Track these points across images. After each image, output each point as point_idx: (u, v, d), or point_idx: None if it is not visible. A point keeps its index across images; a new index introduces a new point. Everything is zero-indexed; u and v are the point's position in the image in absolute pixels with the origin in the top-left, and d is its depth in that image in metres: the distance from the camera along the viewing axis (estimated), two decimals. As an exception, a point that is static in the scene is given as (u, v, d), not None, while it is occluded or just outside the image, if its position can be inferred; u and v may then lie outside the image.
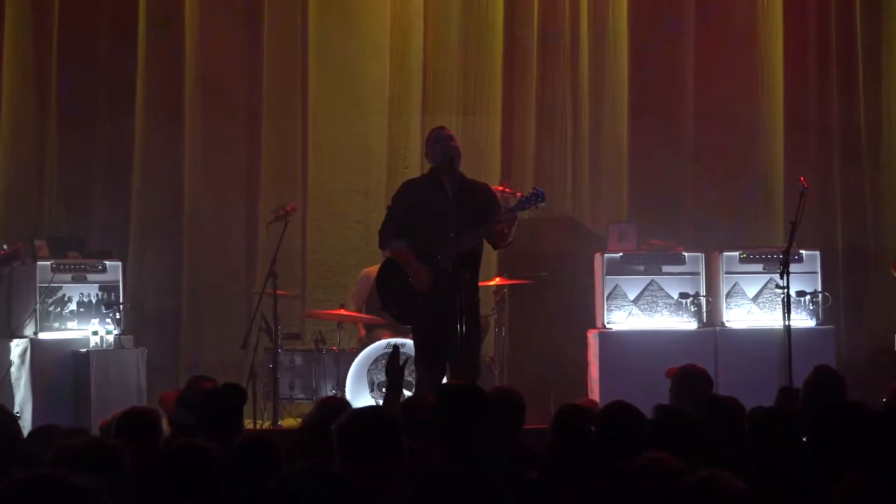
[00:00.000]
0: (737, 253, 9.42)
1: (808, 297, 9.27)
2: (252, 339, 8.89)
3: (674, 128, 10.69)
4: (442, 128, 7.53)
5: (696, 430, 4.58)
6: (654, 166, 10.63)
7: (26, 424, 8.17)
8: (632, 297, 9.30)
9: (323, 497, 3.02)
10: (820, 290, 9.34)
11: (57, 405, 8.74)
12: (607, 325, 9.28)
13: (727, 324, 9.32)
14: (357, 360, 8.98)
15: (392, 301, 7.39)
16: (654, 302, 9.30)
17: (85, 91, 10.30)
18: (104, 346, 8.91)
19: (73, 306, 9.12)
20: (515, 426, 5.03)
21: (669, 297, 9.30)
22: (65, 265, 9.14)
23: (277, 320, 8.96)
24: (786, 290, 8.16)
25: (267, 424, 8.95)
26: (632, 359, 8.98)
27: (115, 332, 8.97)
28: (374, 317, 9.38)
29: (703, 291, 9.31)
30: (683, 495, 3.16)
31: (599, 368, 9.12)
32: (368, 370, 8.97)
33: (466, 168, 7.56)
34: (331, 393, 8.99)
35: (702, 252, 9.46)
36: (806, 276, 9.32)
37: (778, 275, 8.34)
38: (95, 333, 8.93)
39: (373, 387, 8.96)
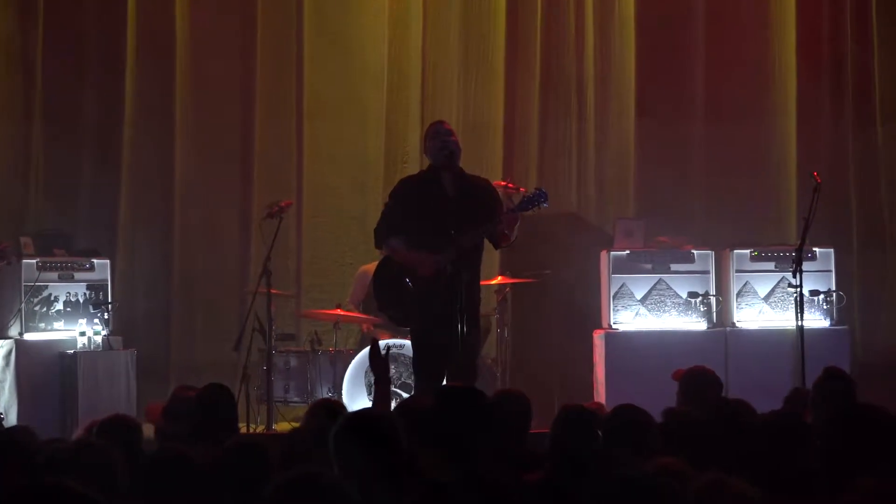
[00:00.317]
0: (748, 250, 9.43)
1: (821, 297, 9.29)
2: (245, 339, 8.90)
3: (683, 120, 10.69)
4: (441, 122, 7.54)
5: (706, 435, 4.60)
6: (663, 160, 10.63)
7: (11, 428, 8.18)
8: (639, 296, 9.32)
9: None
10: (834, 289, 9.36)
11: (43, 408, 8.76)
12: (613, 326, 9.30)
13: (738, 324, 9.34)
14: (354, 361, 9.00)
15: (389, 302, 7.41)
16: (661, 301, 9.31)
17: (72, 83, 10.31)
18: (92, 347, 8.93)
19: (59, 306, 9.14)
20: (520, 430, 5.04)
21: (678, 296, 9.32)
22: (51, 263, 9.16)
23: (271, 320, 8.97)
24: (799, 289, 8.16)
25: (261, 428, 8.97)
26: (639, 360, 9.00)
27: (104, 332, 8.99)
28: (371, 316, 9.40)
29: (712, 290, 9.33)
30: (693, 499, 3.19)
31: (605, 370, 9.14)
32: (366, 372, 8.98)
33: (467, 161, 7.58)
34: (327, 396, 9.00)
35: (712, 250, 9.47)
36: (819, 275, 9.33)
37: (790, 273, 8.36)
38: (83, 334, 8.95)
39: (370, 389, 8.98)
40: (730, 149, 10.70)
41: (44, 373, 8.88)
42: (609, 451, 4.57)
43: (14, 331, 9.00)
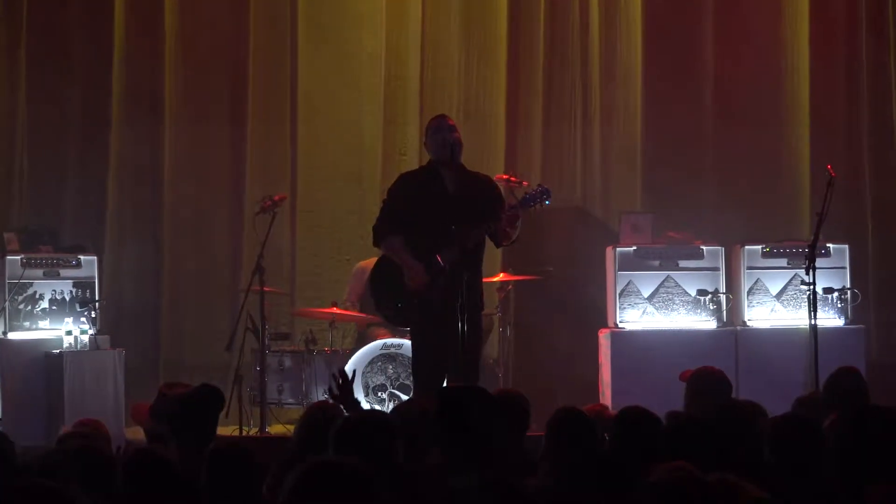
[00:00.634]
0: (759, 247, 9.45)
1: (835, 295, 9.30)
2: (238, 339, 8.92)
3: (692, 110, 10.68)
4: (443, 117, 7.56)
5: (714, 439, 4.61)
6: (671, 152, 10.63)
7: (-5, 431, 8.19)
8: (646, 294, 9.33)
9: (341, 495, 3.07)
10: (849, 286, 9.37)
11: (28, 410, 8.78)
12: (620, 325, 9.31)
13: (749, 323, 9.35)
14: (351, 361, 9.01)
15: (387, 301, 7.42)
16: (670, 299, 9.33)
17: (56, 71, 10.31)
18: (78, 346, 8.94)
19: (45, 304, 9.15)
20: (518, 432, 5.06)
21: (687, 294, 9.33)
22: (36, 260, 9.17)
23: (265, 319, 8.98)
24: (812, 287, 8.17)
25: (254, 431, 8.99)
26: (646, 360, 9.01)
27: (91, 331, 9.00)
28: (369, 315, 9.40)
29: (722, 288, 9.34)
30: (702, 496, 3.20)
31: (611, 371, 9.16)
32: (363, 373, 9.00)
33: (467, 153, 7.58)
34: (323, 398, 9.01)
35: (722, 245, 9.48)
36: (834, 272, 9.34)
37: (803, 270, 8.35)
38: (69, 333, 8.96)
39: (368, 391, 9.00)
40: (741, 141, 10.70)
41: (29, 373, 8.89)
42: (613, 455, 4.58)
43: (-3, 330, 9.02)
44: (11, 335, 9.03)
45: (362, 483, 3.12)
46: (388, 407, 8.67)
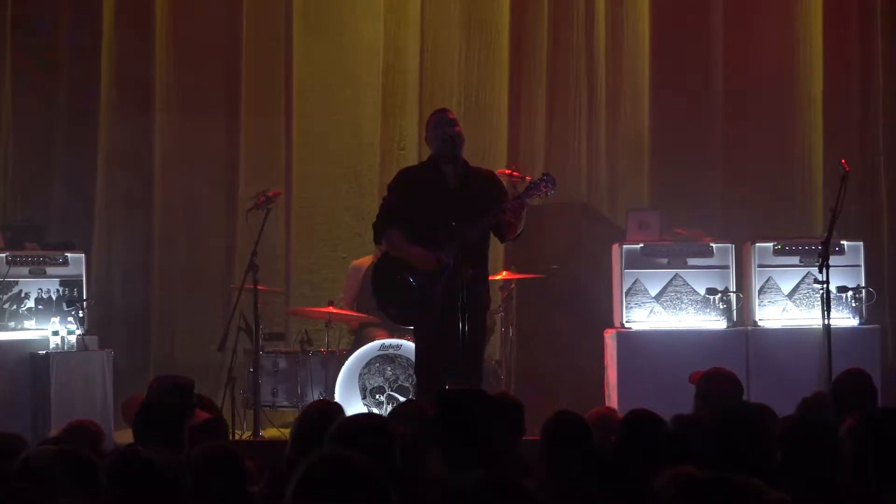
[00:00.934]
0: (771, 244, 9.44)
1: (850, 294, 9.29)
2: (230, 339, 8.91)
3: (701, 103, 10.68)
4: (444, 111, 7.55)
5: (723, 442, 4.60)
6: (679, 146, 10.63)
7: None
8: (653, 293, 9.33)
9: (350, 490, 3.07)
10: (863, 285, 9.36)
11: (13, 413, 8.74)
12: (626, 325, 9.30)
13: (760, 323, 9.35)
14: (347, 363, 9.01)
15: (390, 300, 7.42)
16: (678, 298, 9.32)
17: (42, 61, 10.31)
18: (66, 347, 8.93)
19: (30, 303, 9.14)
20: (513, 436, 5.05)
21: (695, 293, 9.33)
22: (21, 257, 9.16)
23: (258, 319, 8.98)
24: (825, 286, 8.16)
25: (247, 435, 8.98)
26: (653, 362, 9.01)
27: (78, 331, 8.99)
28: (366, 315, 9.40)
29: (732, 287, 9.34)
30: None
31: (617, 372, 9.15)
32: (360, 374, 9.00)
33: (469, 147, 7.59)
34: (318, 399, 9.00)
35: (732, 243, 9.47)
36: (848, 270, 9.33)
37: (816, 268, 8.34)
38: (56, 334, 8.95)
39: (365, 393, 8.99)
40: (752, 134, 10.69)
41: (14, 375, 8.88)
42: (617, 458, 4.58)
43: (-19, 330, 9.02)
44: (-4, 335, 9.03)
45: (371, 477, 3.12)
46: (387, 410, 8.66)
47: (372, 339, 9.15)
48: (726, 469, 4.23)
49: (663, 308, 9.33)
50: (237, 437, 8.87)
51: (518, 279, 9.62)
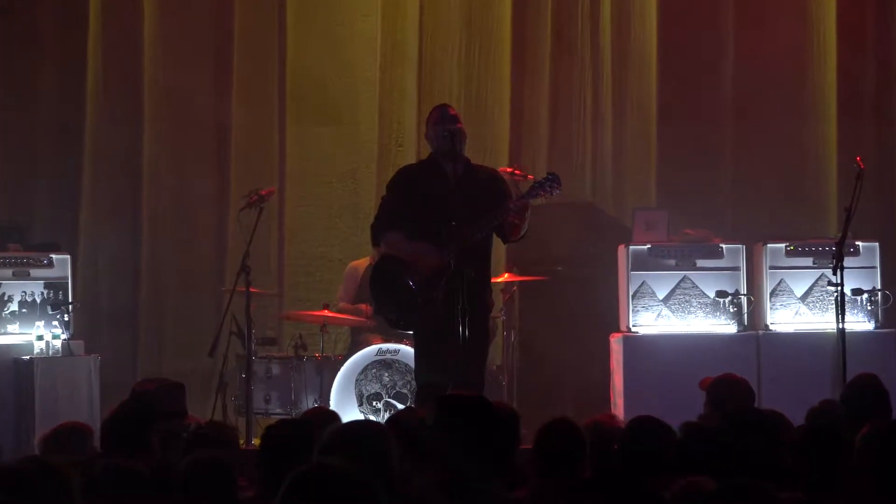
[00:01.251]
0: (783, 245, 9.42)
1: (865, 296, 9.28)
2: (221, 344, 8.90)
3: (710, 99, 10.68)
4: (445, 106, 7.54)
5: (734, 451, 4.59)
6: (688, 144, 10.62)
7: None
8: (661, 295, 9.32)
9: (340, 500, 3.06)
10: (879, 287, 9.34)
11: (-5, 420, 8.76)
12: (633, 329, 9.29)
13: (771, 327, 9.33)
14: (343, 368, 9.00)
15: (388, 304, 7.40)
16: (686, 301, 9.31)
17: (26, 53, 10.31)
18: (50, 352, 8.92)
19: (14, 307, 9.14)
20: (509, 445, 5.03)
21: (705, 295, 9.32)
22: (4, 259, 9.17)
23: (251, 323, 8.96)
24: (839, 288, 8.15)
25: (240, 443, 8.96)
26: (661, 367, 9.00)
27: (63, 336, 8.98)
28: (362, 318, 9.39)
29: (743, 289, 9.32)
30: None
31: (624, 378, 9.14)
32: (357, 381, 8.99)
33: (470, 145, 7.57)
34: (313, 406, 8.99)
35: (742, 243, 9.46)
36: (863, 272, 9.32)
37: (830, 270, 8.34)
38: (40, 338, 8.94)
39: (361, 400, 8.98)
40: (763, 131, 10.69)
41: (-4, 381, 8.88)
42: (622, 468, 4.57)
43: (-37, 335, 9.02)
44: (-22, 340, 9.02)
45: (363, 487, 3.11)
46: (384, 417, 8.65)
47: (369, 344, 9.14)
48: (738, 479, 4.23)
49: (671, 311, 9.32)
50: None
51: (520, 281, 9.61)
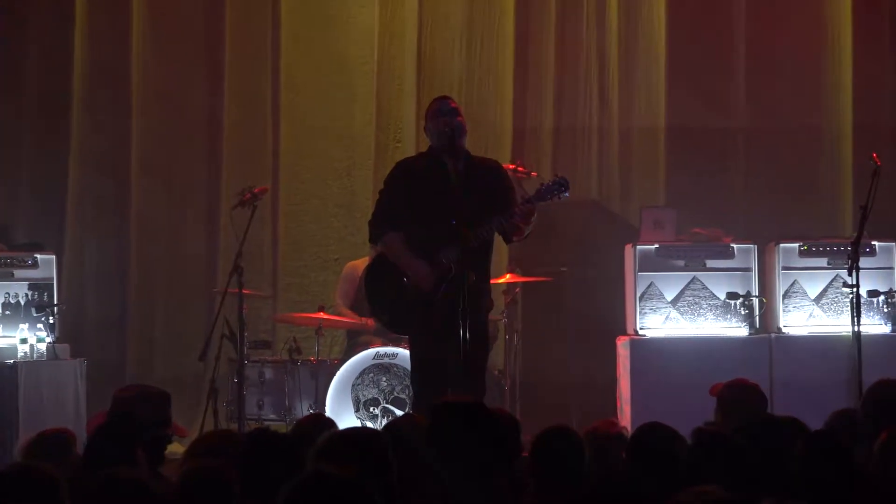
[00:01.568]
0: (796, 244, 9.42)
1: (881, 298, 9.27)
2: (213, 348, 8.88)
3: (721, 94, 10.67)
4: (445, 98, 7.52)
5: (747, 459, 4.58)
6: (697, 140, 10.62)
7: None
8: (669, 297, 9.31)
9: None
10: (896, 288, 9.35)
11: (-21, 426, 8.75)
12: (640, 332, 9.29)
13: (784, 330, 9.33)
14: (339, 373, 9.00)
15: (383, 306, 7.39)
16: (696, 303, 9.30)
17: (10, 50, 10.31)
18: (35, 356, 8.92)
19: (-3, 308, 9.14)
20: (509, 454, 5.02)
21: (715, 297, 9.31)
22: (-13, 259, 9.17)
23: (243, 325, 8.96)
24: (855, 290, 8.15)
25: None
26: (670, 372, 9.00)
27: (49, 339, 8.98)
28: (358, 321, 9.38)
29: (755, 291, 9.32)
30: None
31: (631, 383, 9.14)
32: (353, 385, 8.99)
33: (471, 142, 7.56)
34: (308, 412, 8.99)
35: (754, 243, 9.46)
36: (880, 273, 9.32)
37: (846, 271, 8.33)
38: (24, 341, 8.94)
39: (358, 406, 8.98)
40: (775, 125, 10.68)
41: (-21, 386, 8.88)
42: (630, 477, 4.56)
43: (-55, 338, 9.01)
44: (-40, 343, 9.02)
45: (363, 498, 3.10)
46: (382, 423, 8.64)
47: (366, 347, 9.13)
48: (751, 488, 4.21)
49: (680, 314, 9.31)
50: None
51: (523, 282, 9.60)
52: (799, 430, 4.91)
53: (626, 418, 8.91)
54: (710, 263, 9.39)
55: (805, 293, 9.37)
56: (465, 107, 9.29)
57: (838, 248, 9.27)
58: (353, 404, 8.97)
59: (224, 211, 10.04)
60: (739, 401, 6.06)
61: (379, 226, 7.35)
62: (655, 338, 9.28)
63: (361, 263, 9.60)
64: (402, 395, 8.92)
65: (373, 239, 7.52)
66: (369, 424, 8.72)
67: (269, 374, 9.35)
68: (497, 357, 9.58)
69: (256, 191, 9.05)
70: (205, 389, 8.99)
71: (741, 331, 9.31)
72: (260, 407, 9.28)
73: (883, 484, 4.49)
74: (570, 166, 10.37)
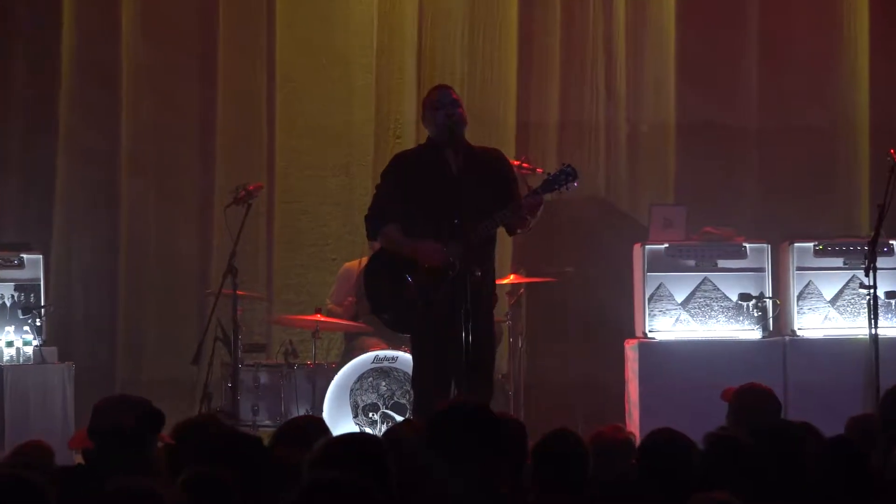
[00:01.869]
0: (811, 244, 9.42)
1: (900, 299, 9.29)
2: (206, 351, 8.88)
3: (733, 87, 10.67)
4: (444, 87, 7.51)
5: (760, 466, 4.58)
6: (709, 135, 10.62)
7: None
8: (680, 299, 9.32)
9: None
10: (915, 290, 9.35)
11: (-37, 432, 8.76)
12: (649, 335, 9.29)
13: (799, 332, 9.33)
14: (337, 377, 9.00)
15: (384, 303, 7.38)
16: (707, 305, 9.31)
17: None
18: (21, 359, 8.93)
19: (-19, 310, 9.15)
20: (515, 461, 5.03)
21: (727, 299, 9.31)
22: (-29, 259, 9.17)
23: (238, 328, 8.97)
24: (872, 291, 8.15)
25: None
26: (680, 376, 9.00)
27: (35, 342, 8.99)
28: (358, 323, 9.38)
29: (768, 292, 9.32)
30: None
31: (639, 388, 9.15)
32: (351, 390, 8.99)
33: (473, 135, 7.56)
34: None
35: (767, 243, 9.46)
36: (897, 273, 9.32)
37: (862, 271, 8.33)
38: (10, 344, 8.96)
39: (357, 411, 8.98)
40: (790, 120, 10.68)
41: (-37, 390, 8.88)
42: (640, 485, 4.56)
43: (-72, 341, 9.02)
44: (-57, 346, 9.02)
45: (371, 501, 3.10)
46: (381, 430, 8.64)
47: (364, 351, 9.13)
48: (764, 496, 4.21)
49: (691, 316, 9.32)
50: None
51: (528, 283, 9.60)
52: (813, 437, 4.91)
53: (634, 424, 8.91)
54: (722, 264, 9.40)
55: (820, 294, 9.38)
56: (468, 101, 9.30)
57: (855, 248, 9.27)
58: (352, 409, 8.98)
59: (218, 209, 10.03)
60: (752, 406, 6.06)
61: (376, 220, 7.35)
62: (665, 341, 9.28)
63: (356, 264, 9.61)
64: (403, 400, 8.92)
65: (370, 234, 7.52)
66: (368, 430, 8.73)
67: (264, 378, 9.35)
68: (501, 360, 9.57)
69: (251, 188, 9.06)
70: (198, 394, 8.99)
71: (754, 333, 9.31)
72: (255, 412, 9.28)
73: None
74: (576, 162, 10.25)
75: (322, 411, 8.94)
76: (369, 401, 9.01)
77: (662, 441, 4.76)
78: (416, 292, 7.17)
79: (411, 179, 7.28)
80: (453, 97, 7.34)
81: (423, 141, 7.70)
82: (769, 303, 9.32)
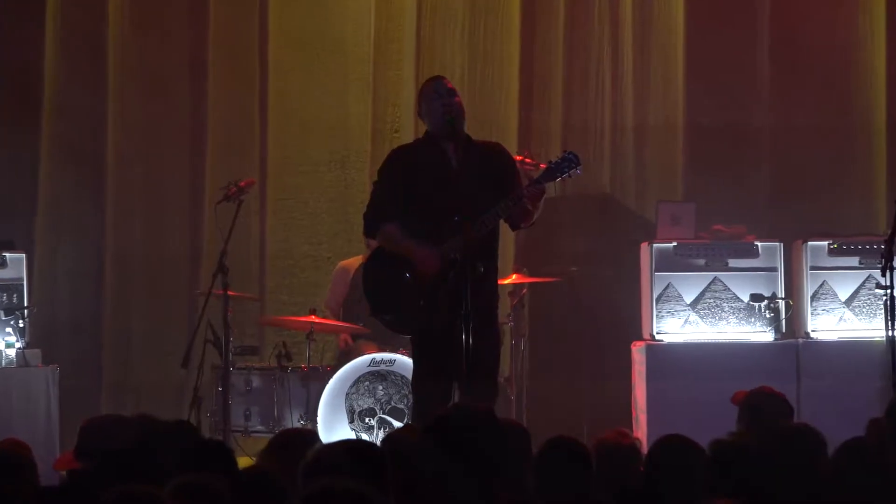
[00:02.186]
0: (825, 242, 9.43)
1: (917, 300, 9.28)
2: (196, 354, 8.89)
3: (744, 81, 10.68)
4: (440, 78, 7.51)
5: (771, 472, 4.59)
6: (718, 129, 10.62)
7: None
8: (688, 299, 9.32)
9: None
10: (933, 290, 9.35)
11: (-57, 437, 8.75)
12: (657, 336, 9.30)
13: (812, 334, 9.34)
14: (332, 381, 9.00)
15: (384, 304, 7.37)
16: (717, 306, 9.31)
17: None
18: (4, 362, 8.93)
19: (-38, 312, 9.15)
20: (518, 467, 5.04)
21: (738, 299, 9.32)
22: (-48, 259, 9.18)
23: (229, 330, 8.97)
24: (889, 291, 8.14)
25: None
26: (688, 379, 9.01)
27: (18, 344, 8.99)
28: (354, 325, 9.39)
29: (781, 292, 9.33)
30: None
31: (647, 392, 9.15)
32: (347, 394, 8.99)
33: (475, 129, 7.56)
34: (298, 424, 9.00)
35: (780, 241, 9.47)
36: (915, 273, 9.32)
37: (878, 271, 8.33)
38: (-8, 347, 8.96)
39: (353, 416, 8.98)
40: (803, 115, 10.69)
41: (-56, 394, 8.90)
42: (647, 492, 4.58)
43: None
44: (-77, 349, 9.03)
45: None
46: (378, 436, 8.65)
47: (361, 354, 9.14)
48: (773, 502, 4.22)
49: (700, 317, 9.32)
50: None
51: (530, 283, 9.60)
52: (826, 443, 4.92)
53: (641, 428, 8.92)
54: (733, 263, 9.40)
55: (835, 295, 9.38)
56: (468, 94, 9.34)
57: (871, 247, 9.27)
58: (348, 415, 8.98)
59: (208, 206, 10.04)
60: (763, 410, 6.07)
61: (375, 217, 7.35)
62: (673, 343, 9.29)
63: (353, 263, 9.62)
64: (401, 405, 8.92)
65: (368, 232, 7.52)
66: (364, 436, 8.74)
67: (256, 381, 9.35)
68: (503, 363, 9.58)
69: (242, 184, 9.06)
70: (187, 399, 8.99)
71: (766, 335, 9.32)
72: (247, 417, 9.28)
73: None
74: (581, 156, 10.35)
75: (316, 416, 8.95)
76: (366, 405, 9.01)
77: (671, 449, 4.77)
78: (417, 291, 7.17)
79: (410, 175, 7.28)
80: (448, 86, 7.34)
81: (422, 134, 7.71)
82: (782, 304, 9.32)
